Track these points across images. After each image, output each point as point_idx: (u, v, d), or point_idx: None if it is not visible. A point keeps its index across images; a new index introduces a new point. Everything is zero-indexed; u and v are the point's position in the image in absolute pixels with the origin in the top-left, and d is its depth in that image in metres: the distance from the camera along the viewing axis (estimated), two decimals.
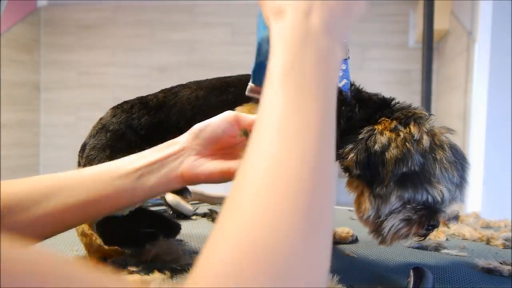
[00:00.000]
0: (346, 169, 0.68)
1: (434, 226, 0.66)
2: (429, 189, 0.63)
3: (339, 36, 0.46)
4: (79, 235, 0.71)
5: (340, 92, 0.73)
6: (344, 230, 0.88)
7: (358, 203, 0.68)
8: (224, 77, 0.79)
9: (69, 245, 0.80)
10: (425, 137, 0.65)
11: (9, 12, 3.62)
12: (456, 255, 0.80)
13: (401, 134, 0.65)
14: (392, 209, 0.65)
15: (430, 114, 0.69)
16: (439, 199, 0.63)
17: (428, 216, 0.65)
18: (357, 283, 0.64)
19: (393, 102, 0.72)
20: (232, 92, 0.75)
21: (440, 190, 0.63)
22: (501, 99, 2.22)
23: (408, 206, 0.65)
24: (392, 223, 0.65)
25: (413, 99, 0.82)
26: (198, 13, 3.84)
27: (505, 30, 2.18)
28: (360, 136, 0.67)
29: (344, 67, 0.73)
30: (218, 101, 0.76)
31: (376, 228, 0.67)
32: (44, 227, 0.58)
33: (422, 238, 0.69)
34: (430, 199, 0.64)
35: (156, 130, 0.65)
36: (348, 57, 0.74)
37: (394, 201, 0.65)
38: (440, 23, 2.78)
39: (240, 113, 0.63)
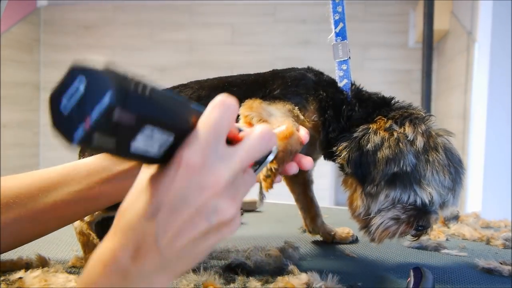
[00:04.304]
0: (341, 167, 0.68)
1: (425, 227, 0.66)
2: (417, 191, 0.63)
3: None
4: (77, 234, 0.71)
5: (341, 91, 0.73)
6: (344, 230, 0.88)
7: (351, 200, 0.69)
8: (226, 77, 0.79)
9: (69, 245, 0.80)
10: (419, 137, 0.64)
11: (9, 12, 3.61)
12: (456, 255, 0.80)
13: (395, 134, 0.65)
14: (382, 207, 0.65)
15: (430, 115, 0.69)
16: (427, 201, 0.63)
17: (417, 217, 0.65)
18: (357, 283, 0.64)
19: (392, 101, 0.72)
20: (234, 91, 0.75)
21: (429, 192, 0.63)
22: (501, 99, 2.22)
23: (398, 205, 0.65)
24: (380, 221, 0.65)
25: (413, 99, 0.82)
26: (198, 13, 3.84)
27: (505, 30, 2.18)
28: (355, 135, 0.67)
29: (345, 67, 0.73)
30: None
31: (366, 224, 0.67)
32: (44, 222, 0.58)
33: (416, 238, 0.69)
34: (418, 200, 0.63)
35: None
36: (349, 57, 0.74)
37: (383, 200, 0.65)
38: (440, 23, 2.78)
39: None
